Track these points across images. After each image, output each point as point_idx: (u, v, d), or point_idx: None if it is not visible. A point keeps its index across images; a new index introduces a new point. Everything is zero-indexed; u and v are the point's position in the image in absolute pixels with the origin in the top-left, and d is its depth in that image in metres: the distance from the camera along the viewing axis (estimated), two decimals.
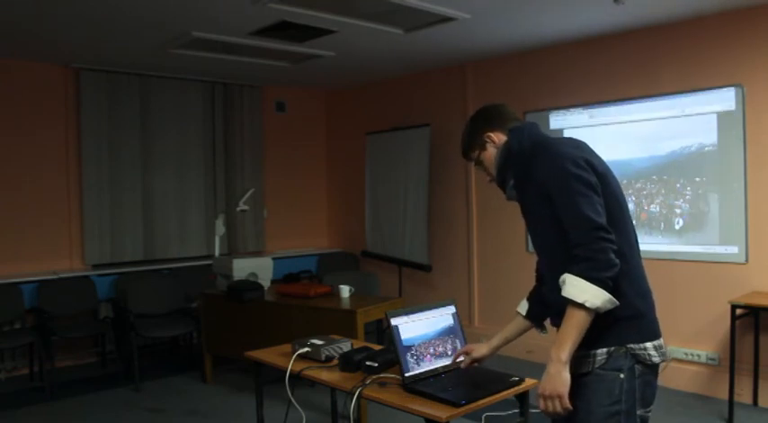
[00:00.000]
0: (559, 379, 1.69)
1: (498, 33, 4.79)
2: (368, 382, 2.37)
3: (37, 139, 5.42)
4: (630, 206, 4.70)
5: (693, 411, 4.11)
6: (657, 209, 4.62)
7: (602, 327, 1.72)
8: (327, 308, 4.11)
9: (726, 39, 4.26)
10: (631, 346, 1.75)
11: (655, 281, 5.10)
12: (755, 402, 4.15)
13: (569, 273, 1.69)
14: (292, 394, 2.63)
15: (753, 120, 4.17)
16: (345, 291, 4.33)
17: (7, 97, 5.27)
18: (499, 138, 1.97)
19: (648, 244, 4.60)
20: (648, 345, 1.76)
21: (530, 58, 5.38)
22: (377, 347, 2.76)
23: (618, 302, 1.69)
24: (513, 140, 1.93)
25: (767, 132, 4.13)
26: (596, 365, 1.75)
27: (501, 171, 1.97)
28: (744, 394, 4.16)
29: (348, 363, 2.57)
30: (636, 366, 1.75)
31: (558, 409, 1.69)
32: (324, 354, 2.73)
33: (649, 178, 4.66)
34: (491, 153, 1.99)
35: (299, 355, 2.76)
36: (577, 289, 1.66)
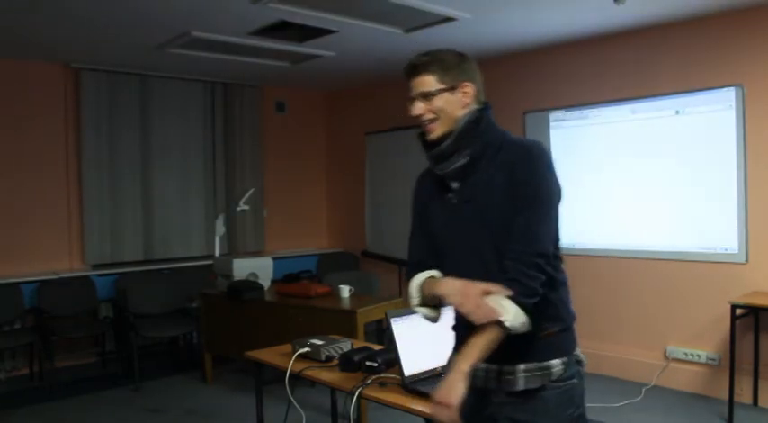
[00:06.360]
0: (454, 389, 1.56)
1: (498, 33, 4.79)
2: (368, 382, 2.38)
3: (37, 139, 5.41)
4: (629, 206, 4.70)
5: (693, 411, 4.10)
6: (657, 209, 4.61)
7: (552, 336, 1.69)
8: (327, 308, 4.11)
9: (726, 39, 4.26)
10: (576, 352, 1.74)
11: (655, 281, 5.07)
12: (755, 402, 4.15)
13: None
14: (292, 394, 2.63)
15: (753, 120, 4.17)
16: (345, 291, 4.33)
17: (7, 97, 5.26)
18: (471, 97, 1.73)
19: (649, 244, 4.60)
20: (578, 350, 1.76)
21: (530, 58, 5.38)
22: (377, 347, 2.76)
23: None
24: (488, 115, 1.73)
25: (767, 132, 4.13)
26: (553, 378, 1.67)
27: (460, 139, 1.69)
28: (744, 394, 4.15)
29: (348, 363, 2.57)
30: (581, 370, 1.73)
31: (445, 418, 1.55)
32: (324, 354, 2.73)
33: (649, 178, 4.65)
34: (456, 103, 1.71)
35: (299, 355, 2.76)
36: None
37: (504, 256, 1.62)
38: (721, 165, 4.30)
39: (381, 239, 6.42)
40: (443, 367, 1.87)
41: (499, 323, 1.57)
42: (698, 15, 4.31)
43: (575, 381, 1.70)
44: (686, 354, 4.51)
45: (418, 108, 1.74)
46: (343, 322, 3.88)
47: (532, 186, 1.62)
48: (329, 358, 2.72)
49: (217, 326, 4.80)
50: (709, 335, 4.40)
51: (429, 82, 1.72)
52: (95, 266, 5.63)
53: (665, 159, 4.58)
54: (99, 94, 5.65)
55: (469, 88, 1.72)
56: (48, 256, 5.45)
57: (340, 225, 7.33)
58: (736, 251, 4.26)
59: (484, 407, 1.72)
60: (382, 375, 2.43)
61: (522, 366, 1.66)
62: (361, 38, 4.79)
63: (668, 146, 4.57)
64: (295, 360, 2.72)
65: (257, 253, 6.51)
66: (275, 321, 4.35)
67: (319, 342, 2.80)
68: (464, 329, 1.72)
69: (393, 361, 2.41)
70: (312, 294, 4.36)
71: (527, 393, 1.66)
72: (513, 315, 1.57)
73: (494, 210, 1.65)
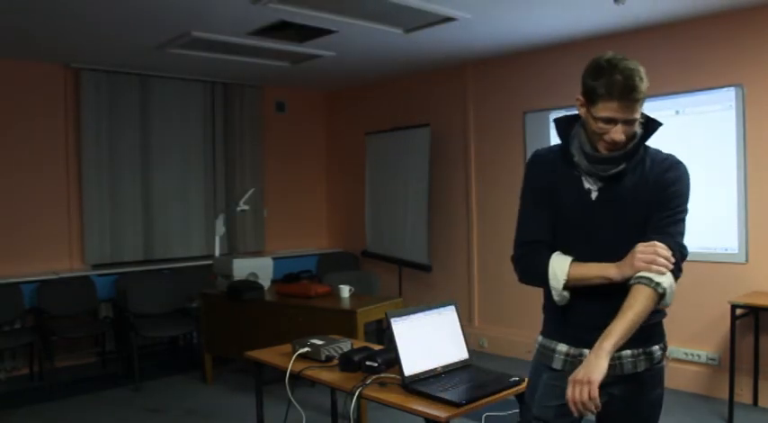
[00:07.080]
0: (597, 367, 1.60)
1: (498, 33, 4.79)
2: (368, 382, 2.38)
3: (37, 139, 5.42)
4: None
5: (693, 411, 4.11)
6: None
7: (656, 324, 1.83)
8: (327, 308, 4.11)
9: (726, 39, 4.26)
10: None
11: None
12: (755, 402, 4.16)
13: None
14: (292, 394, 2.63)
15: (753, 120, 4.17)
16: (345, 291, 4.33)
17: (7, 97, 5.27)
18: None
19: None
20: None
21: (530, 58, 5.38)
22: (377, 347, 2.77)
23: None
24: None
25: (767, 132, 4.13)
26: (654, 362, 1.82)
27: (631, 150, 1.81)
28: (744, 394, 4.16)
29: (348, 363, 2.57)
30: (666, 355, 1.90)
31: (585, 396, 1.57)
32: (324, 354, 2.73)
33: None
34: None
35: (299, 355, 2.76)
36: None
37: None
38: (721, 165, 4.30)
39: (381, 239, 6.42)
40: (534, 361, 1.95)
41: (655, 289, 1.66)
42: (698, 15, 4.31)
43: (664, 364, 1.86)
44: (686, 354, 4.51)
45: (622, 133, 1.76)
46: (343, 322, 3.88)
47: (678, 188, 1.79)
48: (329, 358, 2.72)
49: (217, 326, 4.80)
50: (709, 335, 4.40)
51: (639, 109, 1.79)
52: (95, 266, 5.63)
53: None
54: (99, 94, 5.65)
55: None
56: (48, 256, 5.45)
57: (340, 225, 7.33)
58: (737, 251, 4.26)
59: None
60: (382, 375, 2.43)
61: (627, 352, 1.76)
62: (361, 38, 4.79)
63: (668, 146, 4.56)
64: (295, 360, 2.72)
65: (257, 253, 6.51)
66: (275, 321, 4.35)
67: (319, 342, 2.80)
68: (567, 313, 1.81)
69: (393, 361, 2.41)
70: (312, 294, 4.36)
71: (631, 376, 1.79)
72: (669, 281, 1.68)
73: (635, 210, 1.77)
